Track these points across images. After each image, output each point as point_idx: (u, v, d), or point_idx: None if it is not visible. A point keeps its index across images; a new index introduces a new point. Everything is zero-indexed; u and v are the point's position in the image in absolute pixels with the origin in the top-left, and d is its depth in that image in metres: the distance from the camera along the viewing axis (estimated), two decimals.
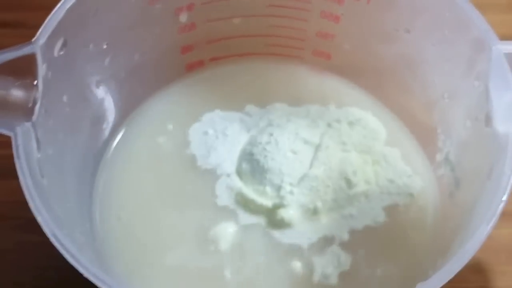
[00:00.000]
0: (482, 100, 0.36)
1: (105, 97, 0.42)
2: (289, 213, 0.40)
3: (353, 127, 0.44)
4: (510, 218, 0.44)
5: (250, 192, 0.41)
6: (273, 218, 0.40)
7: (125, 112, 0.45)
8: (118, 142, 0.44)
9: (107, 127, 0.43)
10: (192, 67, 0.47)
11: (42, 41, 0.34)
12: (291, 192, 0.41)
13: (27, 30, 0.53)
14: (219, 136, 0.44)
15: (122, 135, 0.44)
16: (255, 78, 0.48)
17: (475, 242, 0.30)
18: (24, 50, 0.33)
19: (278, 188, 0.41)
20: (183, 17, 0.43)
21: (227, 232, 0.40)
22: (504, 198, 0.31)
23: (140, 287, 0.38)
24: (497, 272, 0.44)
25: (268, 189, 0.41)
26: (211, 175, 0.42)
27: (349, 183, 0.41)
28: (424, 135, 0.44)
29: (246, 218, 0.41)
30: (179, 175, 0.43)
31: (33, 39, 0.34)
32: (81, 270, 0.28)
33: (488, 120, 0.35)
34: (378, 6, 0.42)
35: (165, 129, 0.45)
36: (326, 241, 0.40)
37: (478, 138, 0.37)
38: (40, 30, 0.34)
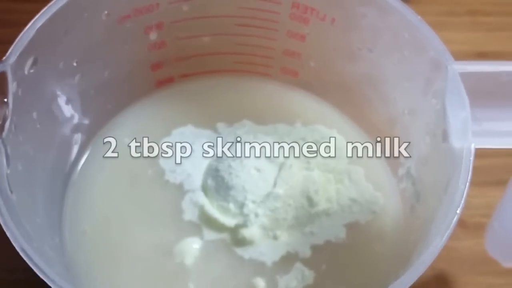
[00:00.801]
0: (439, 117, 0.37)
1: (74, 113, 0.42)
2: (251, 232, 0.41)
3: (318, 146, 0.45)
4: (473, 230, 0.46)
5: (213, 210, 0.42)
6: (236, 236, 0.41)
7: (95, 128, 0.45)
8: (87, 158, 0.45)
9: (77, 143, 0.44)
10: (162, 84, 0.48)
11: (12, 59, 0.34)
12: (254, 210, 0.41)
13: (1, 46, 0.55)
14: (187, 151, 0.45)
15: (91, 151, 0.45)
16: (224, 94, 0.49)
17: (430, 254, 0.31)
18: None
19: (241, 205, 0.41)
20: (153, 35, 0.44)
21: (191, 247, 0.41)
22: (458, 211, 0.32)
23: None
24: (461, 283, 0.45)
25: (232, 206, 0.41)
26: (178, 190, 0.43)
27: (311, 202, 0.42)
28: (388, 149, 0.45)
29: (211, 234, 0.41)
30: (147, 190, 0.44)
31: (3, 58, 0.34)
32: (49, 282, 0.29)
33: (445, 136, 0.36)
34: (342, 26, 0.43)
35: (134, 145, 0.45)
36: (288, 258, 0.41)
37: (436, 153, 0.38)
38: (10, 49, 0.35)
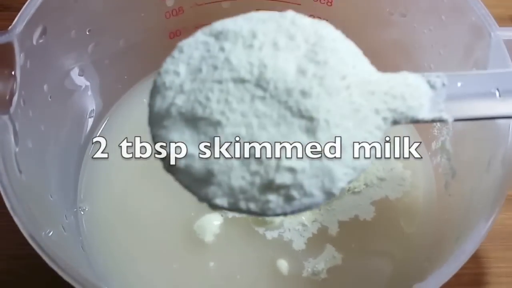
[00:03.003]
0: None
1: (88, 85, 0.40)
2: None
3: None
4: (505, 203, 0.43)
5: None
6: (257, 216, 0.39)
7: (110, 100, 0.43)
8: (102, 131, 0.43)
9: (91, 116, 0.42)
10: None
11: (19, 29, 0.32)
12: None
13: (13, 13, 0.52)
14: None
15: (106, 124, 0.43)
16: None
17: (474, 240, 0.29)
18: (0, 39, 0.32)
19: None
20: (170, 1, 0.42)
21: (212, 224, 0.39)
22: (505, 193, 0.29)
23: (122, 279, 0.38)
24: (492, 258, 0.43)
25: None
26: None
27: None
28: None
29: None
30: None
31: (9, 27, 0.32)
32: (59, 272, 0.27)
33: None
34: None
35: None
36: (316, 238, 0.39)
37: (476, 128, 0.35)
38: (17, 17, 0.33)
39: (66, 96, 0.39)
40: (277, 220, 0.39)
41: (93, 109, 0.42)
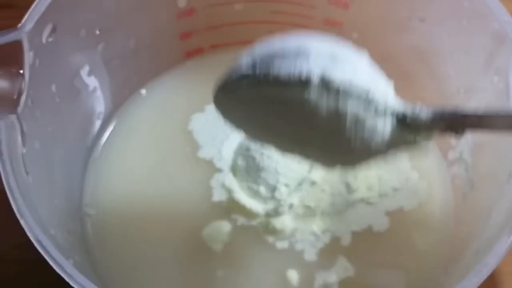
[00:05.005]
0: (501, 96, 0.34)
1: (97, 86, 0.40)
2: (283, 222, 0.38)
3: None
4: None
5: (242, 195, 0.39)
6: (266, 226, 0.38)
7: (118, 101, 0.43)
8: (110, 133, 0.42)
9: (99, 117, 0.41)
10: (191, 55, 0.45)
11: (29, 26, 0.32)
12: (286, 196, 0.38)
13: (18, 11, 0.52)
14: (220, 126, 0.41)
15: (115, 126, 0.42)
16: None
17: (497, 253, 0.28)
18: (9, 37, 0.31)
19: (273, 189, 0.38)
20: (182, 2, 0.41)
21: (221, 232, 0.38)
22: None
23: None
24: (507, 273, 0.42)
25: (262, 189, 0.38)
26: (208, 167, 0.40)
27: (349, 188, 0.39)
28: None
29: (240, 219, 0.39)
30: (175, 167, 0.41)
31: (19, 25, 0.32)
32: (66, 277, 0.27)
33: None
34: None
35: (161, 119, 0.43)
36: (325, 247, 0.38)
37: (496, 138, 0.34)
38: (26, 14, 0.32)
39: (75, 96, 0.38)
40: (288, 228, 0.38)
41: (102, 111, 0.41)
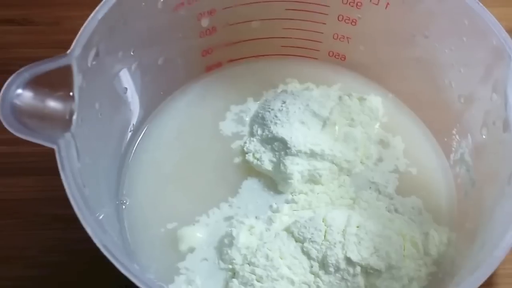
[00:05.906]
0: (500, 106, 0.37)
1: (131, 100, 0.43)
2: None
3: (363, 104, 0.46)
4: None
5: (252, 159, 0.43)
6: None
7: (148, 111, 0.46)
8: (141, 139, 0.45)
9: (132, 128, 0.44)
10: (211, 69, 0.48)
11: (77, 52, 0.34)
12: (295, 162, 0.42)
13: (35, 27, 0.54)
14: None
15: (145, 132, 0.45)
16: (270, 74, 0.49)
17: (504, 247, 0.31)
18: (60, 62, 0.34)
19: (284, 155, 0.43)
20: (205, 22, 0.44)
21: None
22: None
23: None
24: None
25: (275, 155, 0.43)
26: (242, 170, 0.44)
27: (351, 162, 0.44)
28: (439, 133, 0.46)
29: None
30: (198, 162, 0.44)
31: (68, 51, 0.34)
32: (132, 278, 0.30)
33: (506, 126, 0.36)
34: (396, 11, 0.43)
35: (185, 124, 0.46)
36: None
37: (496, 143, 0.38)
38: (74, 41, 0.35)
39: (113, 111, 0.41)
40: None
41: (134, 121, 0.44)
